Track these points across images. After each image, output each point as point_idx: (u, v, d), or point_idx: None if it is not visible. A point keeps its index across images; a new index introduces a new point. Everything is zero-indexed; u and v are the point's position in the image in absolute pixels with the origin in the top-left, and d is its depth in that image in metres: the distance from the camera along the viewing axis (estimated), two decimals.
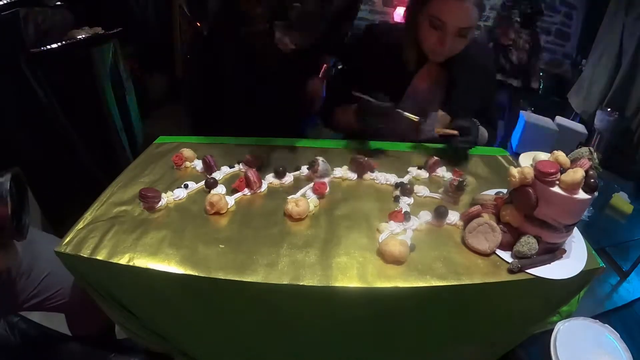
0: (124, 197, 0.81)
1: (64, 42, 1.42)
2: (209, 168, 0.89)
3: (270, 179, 0.88)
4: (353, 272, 0.65)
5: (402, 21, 1.10)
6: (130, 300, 0.73)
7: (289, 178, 0.89)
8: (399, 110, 0.99)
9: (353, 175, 0.92)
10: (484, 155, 1.09)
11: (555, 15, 3.46)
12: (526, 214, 0.69)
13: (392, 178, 0.91)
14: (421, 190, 0.87)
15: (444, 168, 0.97)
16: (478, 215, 0.73)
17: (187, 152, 0.94)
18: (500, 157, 1.09)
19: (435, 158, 0.96)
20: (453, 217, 0.78)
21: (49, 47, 1.35)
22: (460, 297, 0.67)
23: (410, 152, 1.07)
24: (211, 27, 1.18)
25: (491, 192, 0.84)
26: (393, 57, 1.08)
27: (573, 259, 0.71)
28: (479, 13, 0.96)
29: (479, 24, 1.00)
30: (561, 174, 0.64)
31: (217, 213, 0.77)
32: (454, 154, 1.04)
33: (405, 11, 1.08)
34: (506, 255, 0.70)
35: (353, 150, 1.05)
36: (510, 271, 0.67)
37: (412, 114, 1.02)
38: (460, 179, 0.83)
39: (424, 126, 1.11)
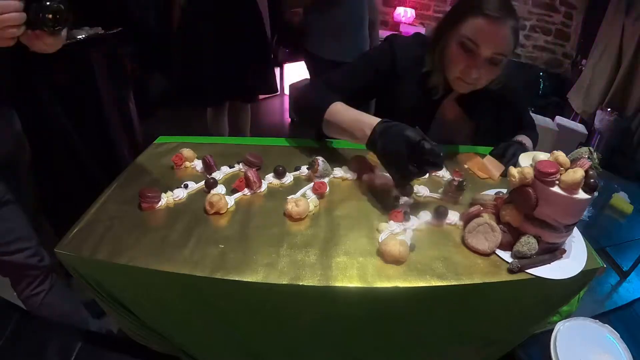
0: (124, 197, 0.81)
1: (64, 42, 1.42)
2: (209, 168, 0.89)
3: (270, 179, 0.88)
4: (353, 272, 0.65)
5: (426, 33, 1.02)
6: (130, 300, 0.74)
7: (289, 178, 0.89)
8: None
9: (353, 175, 0.92)
10: (483, 155, 1.08)
11: (555, 15, 3.46)
12: (526, 214, 0.69)
13: None
14: (421, 190, 0.87)
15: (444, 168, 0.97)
16: (478, 215, 0.73)
17: (187, 152, 0.94)
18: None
19: None
20: (453, 217, 0.78)
21: None
22: (460, 297, 0.67)
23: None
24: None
25: (491, 192, 0.84)
26: (419, 79, 0.99)
27: (573, 259, 0.71)
28: (515, 42, 0.87)
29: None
30: (561, 174, 0.64)
31: (217, 213, 0.77)
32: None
33: (434, 29, 0.97)
34: (506, 255, 0.70)
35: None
36: (510, 271, 0.67)
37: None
38: (460, 179, 0.83)
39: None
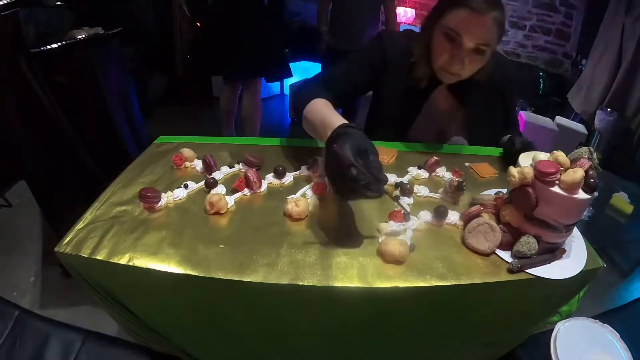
0: (124, 197, 0.81)
1: (64, 42, 1.42)
2: (209, 168, 0.89)
3: (270, 179, 0.88)
4: (353, 272, 0.65)
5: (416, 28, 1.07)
6: (130, 300, 0.74)
7: (289, 178, 0.89)
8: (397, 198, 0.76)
9: None
10: (483, 155, 1.08)
11: (555, 15, 3.46)
12: (526, 214, 0.69)
13: (392, 178, 0.91)
14: (421, 190, 0.87)
15: (443, 168, 0.97)
16: (478, 215, 0.73)
17: (187, 152, 0.94)
18: (500, 157, 1.09)
19: (435, 158, 0.95)
20: (453, 217, 0.78)
21: (49, 47, 1.35)
22: (459, 297, 0.67)
23: (410, 152, 1.07)
24: None
25: (491, 192, 0.84)
26: (407, 70, 1.02)
27: (573, 258, 0.71)
28: (499, 33, 0.88)
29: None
30: (561, 174, 0.64)
31: (217, 213, 0.77)
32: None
33: (422, 21, 1.00)
34: (506, 255, 0.70)
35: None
36: (510, 271, 0.67)
37: (429, 136, 1.04)
38: (460, 179, 0.83)
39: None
